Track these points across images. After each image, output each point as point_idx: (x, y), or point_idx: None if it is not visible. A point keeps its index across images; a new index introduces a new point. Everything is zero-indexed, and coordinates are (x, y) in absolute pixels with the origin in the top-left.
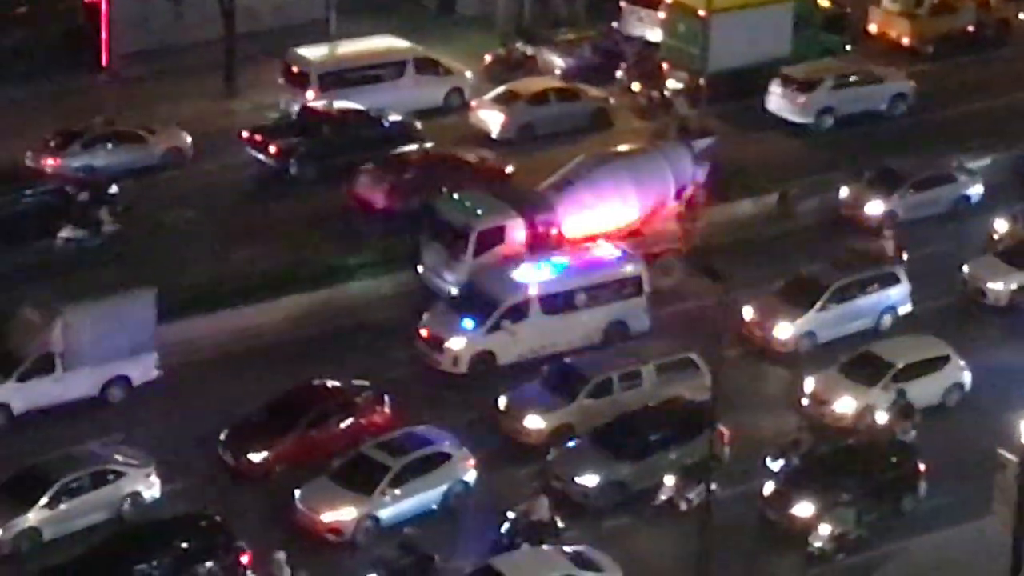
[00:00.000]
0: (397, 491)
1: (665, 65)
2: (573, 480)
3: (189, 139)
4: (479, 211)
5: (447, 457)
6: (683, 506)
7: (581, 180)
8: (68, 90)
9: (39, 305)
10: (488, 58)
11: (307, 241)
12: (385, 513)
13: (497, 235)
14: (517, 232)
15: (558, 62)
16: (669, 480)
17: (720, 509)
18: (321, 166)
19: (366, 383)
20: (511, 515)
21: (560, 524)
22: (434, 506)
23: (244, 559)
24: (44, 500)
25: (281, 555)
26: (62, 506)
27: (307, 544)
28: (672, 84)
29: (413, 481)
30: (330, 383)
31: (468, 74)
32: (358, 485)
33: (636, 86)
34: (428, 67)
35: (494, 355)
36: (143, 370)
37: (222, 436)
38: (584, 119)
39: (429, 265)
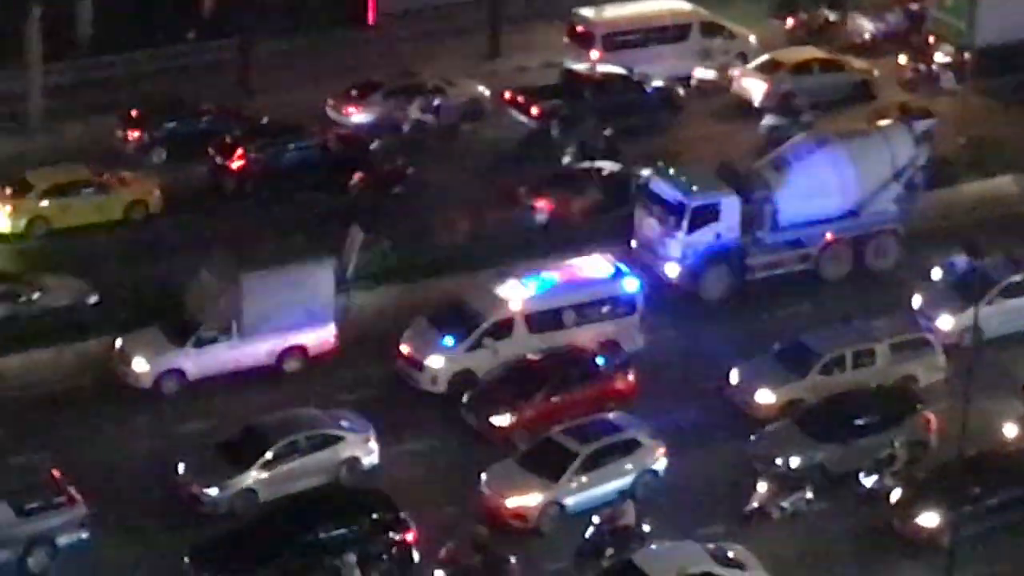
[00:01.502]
0: (584, 478)
1: (932, 38)
2: (774, 462)
3: (488, 92)
4: (695, 187)
5: (637, 445)
6: (776, 514)
7: (799, 160)
8: (334, 45)
9: (218, 271)
10: (790, 22)
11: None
12: (571, 500)
13: (712, 212)
14: (732, 210)
15: (867, 26)
16: (762, 487)
17: (823, 518)
18: (581, 130)
19: (611, 350)
20: (596, 520)
21: (647, 529)
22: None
23: (409, 536)
24: (262, 461)
25: (352, 557)
26: (279, 468)
27: None
28: (940, 58)
29: (601, 468)
30: (576, 349)
31: (752, 39)
32: (545, 470)
33: (903, 59)
34: (713, 31)
35: (474, 375)
36: (320, 340)
37: (465, 398)
38: (847, 90)
39: (642, 240)
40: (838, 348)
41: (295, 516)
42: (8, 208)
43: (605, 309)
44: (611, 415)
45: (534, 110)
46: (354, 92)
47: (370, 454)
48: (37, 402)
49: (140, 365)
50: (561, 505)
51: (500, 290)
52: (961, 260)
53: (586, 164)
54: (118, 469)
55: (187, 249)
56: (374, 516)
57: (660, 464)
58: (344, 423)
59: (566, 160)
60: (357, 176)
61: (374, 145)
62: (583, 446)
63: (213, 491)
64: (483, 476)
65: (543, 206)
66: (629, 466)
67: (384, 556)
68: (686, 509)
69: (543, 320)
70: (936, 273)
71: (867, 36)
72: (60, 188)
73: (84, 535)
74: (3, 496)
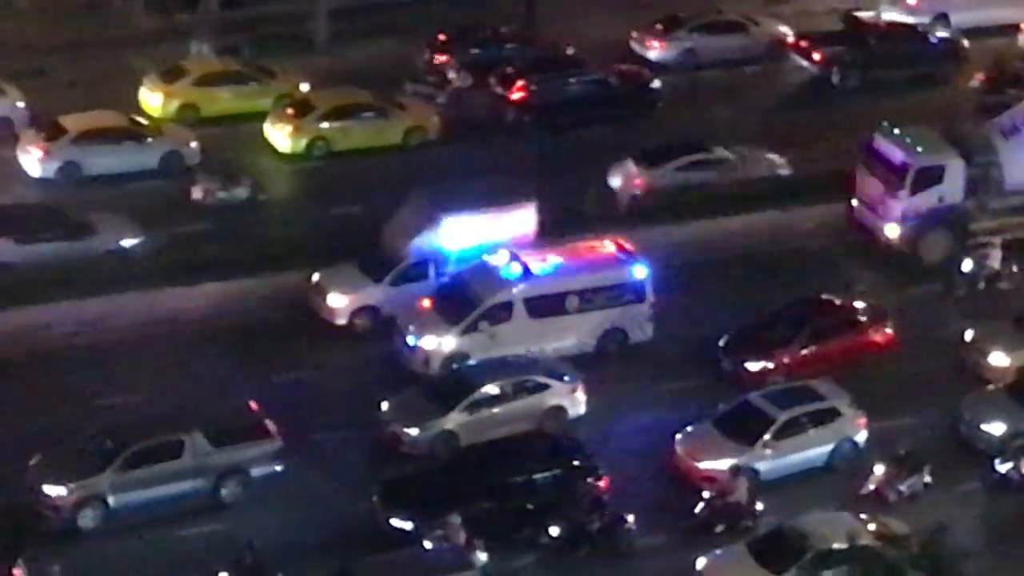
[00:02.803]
0: (780, 444)
1: None
2: (979, 427)
3: (790, 33)
4: (919, 148)
5: (837, 414)
6: (892, 497)
7: None
8: None
9: (417, 208)
10: None
11: (841, 151)
12: (764, 466)
13: (936, 174)
14: (956, 173)
15: None
16: (879, 469)
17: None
18: (864, 77)
19: (872, 300)
20: (707, 495)
21: (759, 507)
22: (820, 464)
23: (602, 484)
24: (464, 404)
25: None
26: (482, 413)
27: None
28: None
29: (798, 436)
30: (835, 297)
31: None
32: (740, 435)
33: None
34: None
35: (469, 358)
36: None
37: (721, 342)
38: None
39: (864, 200)
40: None
41: (490, 459)
42: (289, 129)
43: (611, 296)
44: (814, 382)
45: (816, 55)
46: (659, 26)
47: (576, 404)
48: (231, 332)
49: (336, 300)
50: (755, 471)
51: (501, 271)
52: None
53: None
54: (311, 403)
55: (460, 177)
56: (568, 463)
57: (860, 435)
58: (552, 371)
59: None
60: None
61: (655, 83)
62: (781, 412)
63: (414, 431)
64: (678, 436)
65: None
66: (828, 435)
67: (576, 504)
68: (800, 487)
69: (544, 305)
70: None
71: None
72: (341, 111)
73: (278, 467)
74: (199, 425)
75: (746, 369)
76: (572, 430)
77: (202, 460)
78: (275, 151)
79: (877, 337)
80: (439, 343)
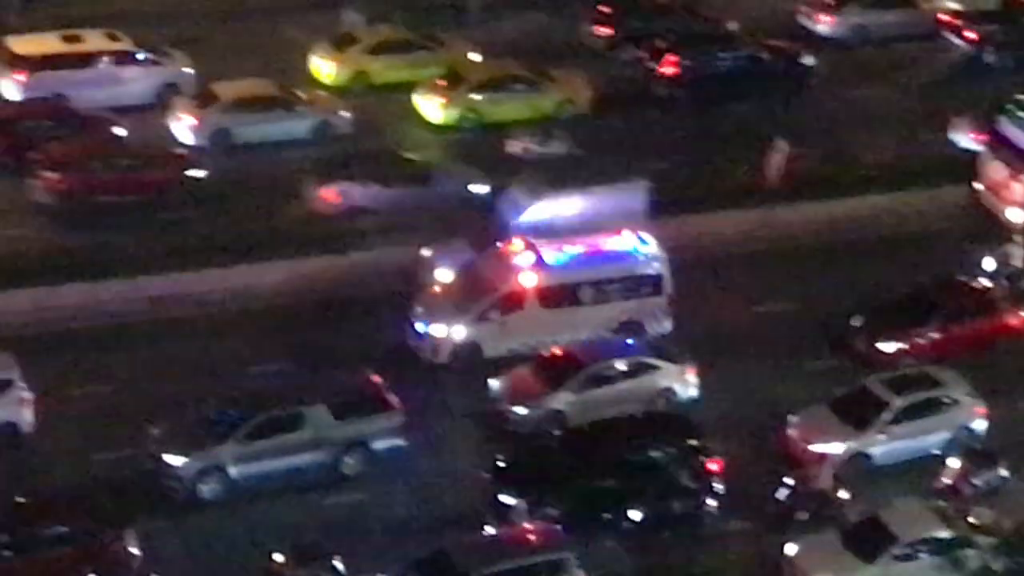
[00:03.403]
0: (894, 430)
1: None
2: None
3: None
4: None
5: (955, 402)
6: (967, 491)
7: None
8: None
9: (529, 187)
10: None
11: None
12: (878, 451)
13: None
14: None
15: None
16: (954, 463)
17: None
18: (1018, 56)
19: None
20: (790, 482)
21: (844, 495)
22: (936, 451)
23: (714, 466)
24: (573, 384)
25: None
26: (592, 393)
27: None
28: None
29: (914, 422)
30: (970, 280)
31: None
32: (854, 419)
33: None
34: None
35: (479, 346)
36: None
37: (855, 323)
38: None
39: (988, 183)
40: None
41: (604, 437)
42: (442, 100)
43: (627, 287)
44: (934, 368)
45: (969, 34)
46: (828, 0)
47: (687, 386)
48: (353, 305)
49: (444, 275)
50: (867, 456)
51: (514, 260)
52: None
53: None
54: (432, 378)
55: (610, 149)
56: (682, 442)
57: (979, 424)
58: (663, 352)
59: None
60: None
61: (808, 59)
62: (897, 398)
63: (522, 410)
64: (791, 418)
65: None
66: (944, 423)
67: (689, 484)
68: (878, 479)
69: (557, 295)
70: None
71: None
72: (492, 82)
73: (399, 442)
74: (323, 399)
75: (879, 350)
76: (685, 410)
77: (324, 432)
78: (425, 122)
79: (1014, 321)
80: (449, 331)
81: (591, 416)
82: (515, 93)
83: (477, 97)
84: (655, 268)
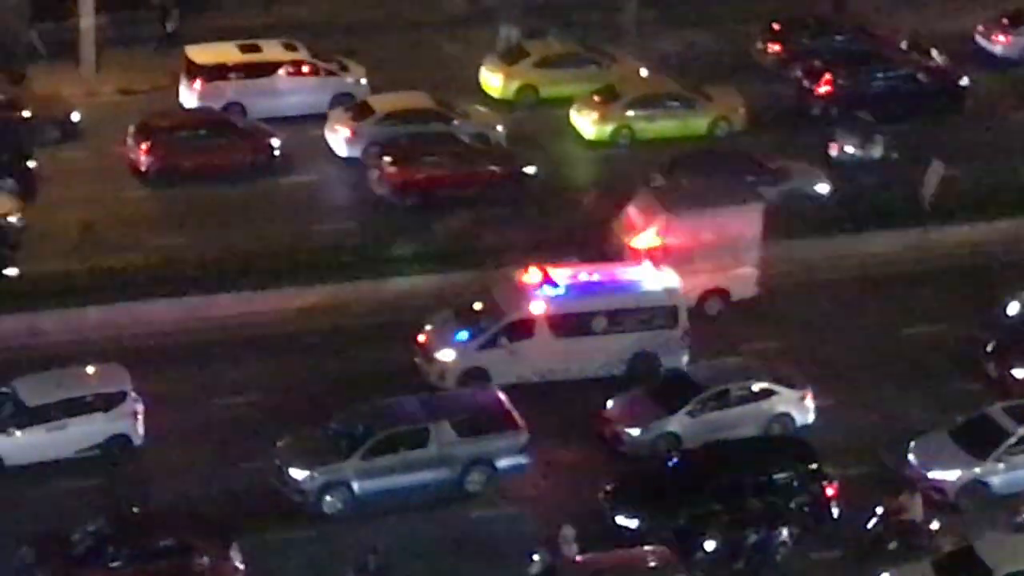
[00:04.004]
0: (1014, 460)
1: None
2: None
3: None
4: None
5: None
6: None
7: None
8: None
9: (644, 205)
10: None
11: None
12: (997, 480)
13: None
14: None
15: None
16: None
17: None
18: None
19: None
20: (880, 511)
21: (935, 526)
22: None
23: (830, 491)
24: (688, 407)
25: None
26: (706, 416)
27: None
28: None
29: None
30: None
31: None
32: (974, 447)
33: None
34: None
35: (487, 373)
36: (743, 285)
37: (988, 348)
38: None
39: None
40: None
41: (721, 460)
42: (595, 116)
43: (641, 318)
44: None
45: None
46: (1005, 20)
47: (804, 412)
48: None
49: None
50: (985, 484)
51: (526, 287)
52: None
53: None
54: (543, 396)
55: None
56: (798, 466)
57: None
58: (781, 378)
59: None
60: None
61: (965, 81)
62: (1019, 426)
63: (635, 432)
64: (911, 444)
65: None
66: None
67: (804, 508)
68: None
69: (569, 324)
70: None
71: None
72: (647, 99)
73: (523, 460)
74: (448, 416)
75: (1012, 376)
76: (805, 434)
77: (448, 450)
78: (579, 137)
79: None
80: (456, 357)
81: (706, 439)
82: (669, 110)
83: (631, 113)
84: (671, 299)
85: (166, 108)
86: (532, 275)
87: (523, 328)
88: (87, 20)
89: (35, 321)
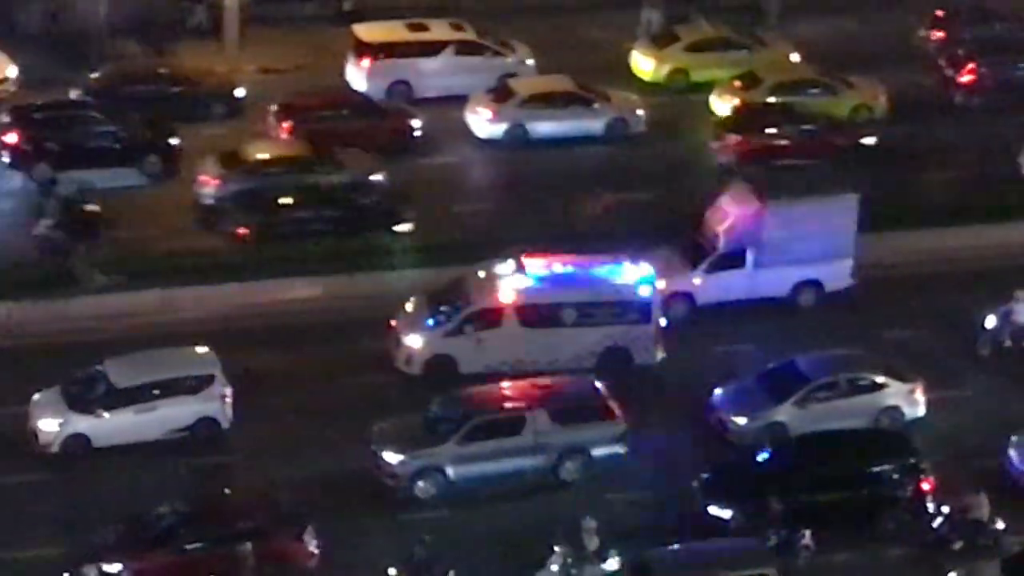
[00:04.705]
0: None
1: None
2: None
3: None
4: None
5: None
6: None
7: None
8: None
9: (740, 195)
10: None
11: None
12: None
13: None
14: None
15: None
16: None
17: None
18: None
19: None
20: (945, 510)
21: (1000, 526)
22: None
23: (926, 486)
24: (795, 398)
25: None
26: (814, 407)
27: None
28: None
29: None
30: None
31: None
32: None
33: None
34: None
35: (455, 361)
36: (837, 277)
37: None
38: None
39: None
40: None
41: (815, 452)
42: (735, 101)
43: (614, 312)
44: None
45: None
46: None
47: (914, 405)
48: None
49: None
50: None
51: (496, 276)
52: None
53: None
54: (649, 385)
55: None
56: (896, 459)
57: None
58: (891, 370)
59: None
60: None
61: None
62: None
63: (742, 420)
64: (1012, 438)
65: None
66: None
67: (900, 502)
68: None
69: (537, 315)
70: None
71: None
72: (787, 85)
73: (620, 449)
74: (544, 405)
75: None
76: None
77: (544, 438)
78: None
79: None
80: (422, 343)
81: (813, 429)
82: (810, 97)
83: (771, 100)
84: (645, 295)
85: (308, 87)
86: (504, 264)
87: (490, 317)
88: None
89: (171, 296)
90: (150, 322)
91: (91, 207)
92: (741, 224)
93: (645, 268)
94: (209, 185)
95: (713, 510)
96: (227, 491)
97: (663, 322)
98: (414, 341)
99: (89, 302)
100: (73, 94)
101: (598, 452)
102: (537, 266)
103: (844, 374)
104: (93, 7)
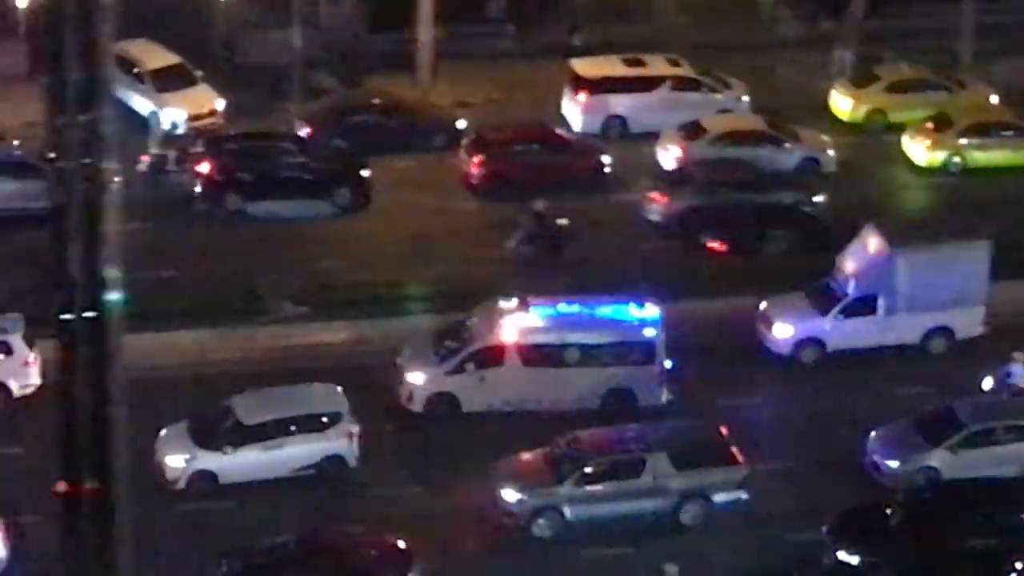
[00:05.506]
0: None
1: None
2: None
3: None
4: None
5: None
6: None
7: None
8: None
9: (871, 238)
10: None
11: None
12: None
13: None
14: None
15: None
16: None
17: None
18: None
19: None
20: None
21: None
22: None
23: None
24: (952, 442)
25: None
26: (969, 452)
27: None
28: None
29: None
30: None
31: None
32: None
33: None
34: None
35: (457, 400)
36: (968, 324)
37: None
38: None
39: None
40: None
41: (950, 500)
42: (928, 142)
43: (617, 353)
44: None
45: None
46: None
47: None
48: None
49: (781, 331)
50: None
51: (500, 315)
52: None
53: None
54: (766, 430)
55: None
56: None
57: None
58: None
59: None
60: None
61: None
62: None
63: (894, 463)
64: None
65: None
66: None
67: None
68: None
69: (540, 354)
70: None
71: None
72: (981, 127)
73: (742, 495)
74: (665, 447)
75: None
76: None
77: (663, 481)
78: (911, 164)
79: None
80: (424, 380)
81: (967, 475)
82: (1003, 139)
83: (964, 141)
84: (649, 335)
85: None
86: (508, 303)
87: (492, 356)
88: (425, 31)
89: (361, 330)
90: (335, 353)
91: (562, 221)
92: (873, 270)
93: (650, 309)
94: (657, 203)
95: (842, 555)
96: (360, 529)
97: (668, 364)
98: (416, 378)
99: (275, 331)
100: (284, 127)
101: (719, 497)
102: (541, 306)
103: (1000, 421)
104: (287, 41)
